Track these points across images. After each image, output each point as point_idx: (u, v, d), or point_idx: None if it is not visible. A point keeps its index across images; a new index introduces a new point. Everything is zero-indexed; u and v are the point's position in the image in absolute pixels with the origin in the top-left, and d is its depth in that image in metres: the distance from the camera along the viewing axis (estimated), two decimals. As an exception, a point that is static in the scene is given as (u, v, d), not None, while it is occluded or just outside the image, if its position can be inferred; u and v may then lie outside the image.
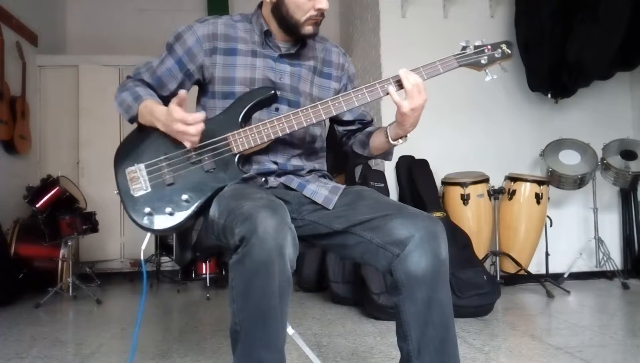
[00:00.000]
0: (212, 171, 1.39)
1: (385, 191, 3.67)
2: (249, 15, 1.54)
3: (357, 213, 1.35)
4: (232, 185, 1.37)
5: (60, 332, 2.72)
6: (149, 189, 1.39)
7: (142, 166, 1.42)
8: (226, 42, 1.47)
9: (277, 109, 1.48)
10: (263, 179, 1.46)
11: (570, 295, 3.40)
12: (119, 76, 4.93)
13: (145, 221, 1.37)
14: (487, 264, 3.58)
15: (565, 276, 3.73)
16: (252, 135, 1.39)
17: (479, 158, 3.91)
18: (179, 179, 1.39)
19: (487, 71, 1.43)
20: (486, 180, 3.69)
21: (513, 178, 3.71)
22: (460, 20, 4.01)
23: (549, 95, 3.93)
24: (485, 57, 1.42)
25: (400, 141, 1.47)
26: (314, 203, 1.43)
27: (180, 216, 1.37)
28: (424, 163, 3.79)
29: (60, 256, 3.81)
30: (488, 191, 3.66)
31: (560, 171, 3.67)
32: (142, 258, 1.50)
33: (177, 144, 1.38)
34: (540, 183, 3.67)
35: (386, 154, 1.60)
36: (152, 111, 1.38)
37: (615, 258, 3.92)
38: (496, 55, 1.42)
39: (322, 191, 1.44)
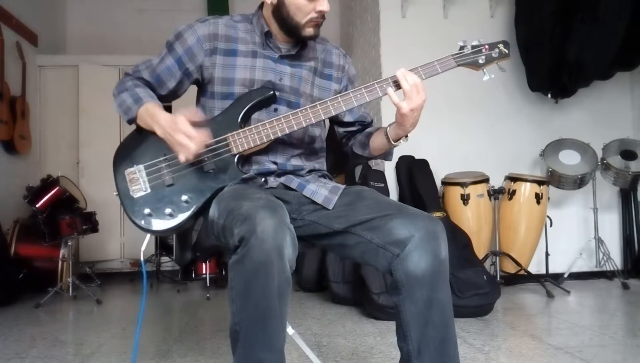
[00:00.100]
0: (211, 171, 1.39)
1: (385, 191, 3.67)
2: (249, 15, 1.53)
3: (357, 213, 1.35)
4: (232, 186, 1.37)
5: (60, 332, 2.72)
6: (149, 191, 1.39)
7: (141, 167, 1.42)
8: (226, 43, 1.47)
9: (276, 110, 1.48)
10: (263, 179, 1.46)
11: (570, 295, 3.40)
12: (119, 76, 4.93)
13: (144, 222, 1.37)
14: (487, 264, 3.58)
15: (565, 276, 3.73)
16: (252, 135, 1.39)
17: (479, 158, 3.91)
18: (178, 180, 1.39)
19: (484, 70, 1.43)
20: (486, 180, 3.69)
21: (513, 178, 3.71)
22: (460, 20, 4.01)
23: (549, 95, 3.93)
24: (483, 57, 1.42)
25: (400, 141, 1.47)
26: (314, 203, 1.43)
27: (180, 217, 1.37)
28: (424, 163, 3.79)
29: (60, 256, 3.81)
30: (488, 191, 3.66)
31: (560, 171, 3.67)
32: (142, 258, 1.50)
33: None
34: (540, 183, 3.67)
35: (386, 155, 1.60)
36: (153, 114, 1.38)
37: (615, 258, 3.92)
38: (493, 55, 1.42)
39: (322, 191, 1.44)
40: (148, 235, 1.44)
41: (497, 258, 3.65)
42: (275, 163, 1.49)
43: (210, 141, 1.37)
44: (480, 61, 1.42)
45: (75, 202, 4.00)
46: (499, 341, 2.32)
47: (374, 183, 3.64)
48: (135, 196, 1.39)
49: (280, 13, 1.42)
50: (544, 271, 3.71)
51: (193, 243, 1.51)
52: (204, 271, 3.94)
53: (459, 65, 1.42)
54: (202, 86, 1.52)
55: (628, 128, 4.13)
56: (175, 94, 1.53)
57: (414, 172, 3.74)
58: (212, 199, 1.35)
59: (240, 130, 1.40)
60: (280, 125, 1.39)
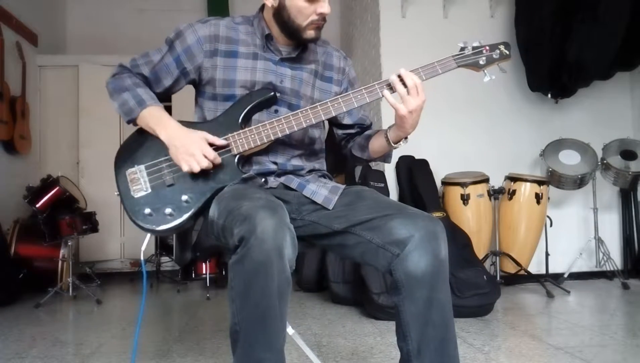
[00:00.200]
0: (211, 171, 1.39)
1: (385, 191, 3.68)
2: (250, 17, 1.53)
3: (357, 213, 1.35)
4: (232, 185, 1.37)
5: (60, 332, 2.72)
6: (149, 190, 1.39)
7: (142, 167, 1.42)
8: (227, 45, 1.47)
9: (276, 112, 1.48)
10: (263, 179, 1.46)
11: (570, 295, 3.40)
12: (119, 76, 4.92)
13: (145, 222, 1.37)
14: (487, 264, 3.58)
15: (565, 276, 3.73)
16: (252, 136, 1.39)
17: (479, 158, 3.91)
18: (178, 180, 1.39)
19: (485, 71, 1.43)
20: (486, 180, 3.69)
21: (513, 178, 3.71)
22: (460, 20, 4.01)
23: (549, 95, 3.93)
24: (484, 58, 1.42)
25: (401, 143, 1.47)
26: (314, 203, 1.43)
27: (180, 217, 1.37)
28: (424, 163, 3.79)
29: (60, 256, 3.81)
30: (488, 191, 3.66)
31: (560, 171, 3.67)
32: (142, 258, 1.49)
33: None
34: (540, 183, 3.67)
35: (385, 157, 1.60)
36: (160, 119, 1.39)
37: (615, 258, 3.93)
38: (494, 56, 1.42)
39: (322, 191, 1.44)
40: (148, 235, 1.44)
41: (497, 258, 3.65)
42: (275, 163, 1.49)
43: (220, 142, 1.39)
44: (481, 62, 1.42)
45: (75, 202, 4.00)
46: (499, 341, 2.32)
47: (374, 183, 3.64)
48: (135, 196, 1.39)
49: (281, 16, 1.42)
50: (544, 271, 3.71)
51: (193, 243, 1.51)
52: (204, 271, 3.95)
53: (459, 66, 1.42)
54: (201, 87, 1.51)
55: (628, 128, 4.13)
56: (169, 92, 1.53)
57: (414, 172, 3.74)
58: (212, 199, 1.36)
59: (240, 131, 1.40)
60: (280, 126, 1.39)
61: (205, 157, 1.34)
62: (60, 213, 3.76)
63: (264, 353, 1.14)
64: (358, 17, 4.91)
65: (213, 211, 1.32)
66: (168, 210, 1.36)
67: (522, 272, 3.61)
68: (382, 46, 4.03)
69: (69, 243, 3.80)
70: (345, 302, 3.19)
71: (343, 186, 1.47)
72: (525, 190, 3.67)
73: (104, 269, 4.86)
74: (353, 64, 1.70)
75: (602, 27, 3.44)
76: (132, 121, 1.44)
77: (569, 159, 3.74)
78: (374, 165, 4.02)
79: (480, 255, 3.50)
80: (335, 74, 1.60)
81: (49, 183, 3.89)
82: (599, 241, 3.86)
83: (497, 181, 3.75)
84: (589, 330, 2.48)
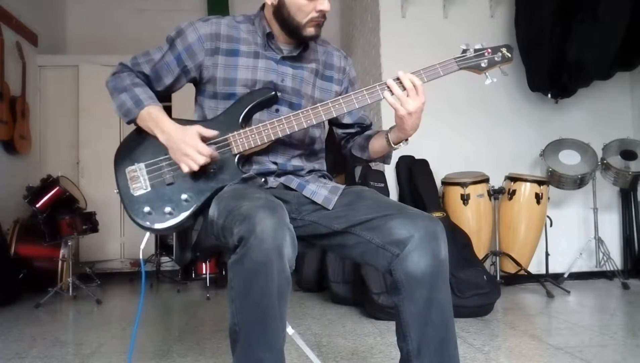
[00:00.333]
0: (211, 171, 1.39)
1: (385, 191, 3.67)
2: (251, 16, 1.53)
3: (357, 213, 1.35)
4: (232, 185, 1.37)
5: (60, 332, 2.72)
6: (149, 189, 1.39)
7: (142, 165, 1.42)
8: (229, 43, 1.47)
9: (277, 111, 1.48)
10: (263, 179, 1.46)
11: (570, 295, 3.40)
12: (119, 76, 4.92)
13: (144, 220, 1.37)
14: (487, 264, 3.58)
15: (565, 276, 3.73)
16: (252, 136, 1.39)
17: (479, 158, 3.91)
18: (178, 179, 1.39)
19: (487, 74, 1.43)
20: (486, 180, 3.69)
21: (513, 178, 3.71)
22: (460, 21, 4.01)
23: (549, 95, 3.93)
24: (485, 61, 1.42)
25: (401, 144, 1.47)
26: (314, 203, 1.43)
27: (179, 216, 1.37)
28: (424, 163, 3.79)
29: (60, 256, 3.81)
30: (488, 191, 3.66)
31: (560, 171, 3.67)
32: (141, 256, 1.49)
33: None
34: (540, 183, 3.67)
35: (385, 158, 1.60)
36: (157, 120, 1.39)
37: (615, 258, 3.92)
38: (496, 58, 1.42)
39: (322, 191, 1.44)
40: (147, 233, 1.44)
41: (497, 258, 3.65)
42: (275, 163, 1.49)
43: (212, 134, 1.38)
44: (483, 65, 1.41)
45: (75, 202, 4.00)
46: (499, 341, 2.32)
47: (374, 183, 3.64)
48: (135, 194, 1.39)
49: (281, 13, 1.42)
50: (544, 271, 3.71)
51: (193, 243, 1.51)
52: (204, 271, 3.95)
53: (461, 68, 1.41)
54: (201, 85, 1.51)
55: (628, 128, 4.13)
56: (169, 90, 1.53)
57: (414, 172, 3.74)
58: (212, 199, 1.35)
59: (241, 130, 1.40)
60: (281, 126, 1.39)
61: (201, 153, 1.33)
62: (60, 213, 3.77)
63: (264, 353, 1.14)
64: (358, 17, 4.91)
65: (213, 210, 1.32)
66: (167, 209, 1.36)
67: (522, 272, 3.60)
68: (382, 45, 4.03)
69: (69, 243, 3.80)
70: (345, 302, 3.19)
71: (343, 186, 1.47)
72: (525, 190, 3.67)
73: (104, 269, 4.86)
74: (353, 64, 1.70)
75: (602, 27, 3.44)
76: (131, 122, 1.45)
77: (569, 159, 3.73)
78: (373, 165, 4.02)
79: (480, 255, 3.50)
80: (335, 74, 1.60)
81: (49, 183, 3.89)
82: (599, 241, 3.86)
83: (497, 181, 3.75)
84: (589, 330, 2.48)
